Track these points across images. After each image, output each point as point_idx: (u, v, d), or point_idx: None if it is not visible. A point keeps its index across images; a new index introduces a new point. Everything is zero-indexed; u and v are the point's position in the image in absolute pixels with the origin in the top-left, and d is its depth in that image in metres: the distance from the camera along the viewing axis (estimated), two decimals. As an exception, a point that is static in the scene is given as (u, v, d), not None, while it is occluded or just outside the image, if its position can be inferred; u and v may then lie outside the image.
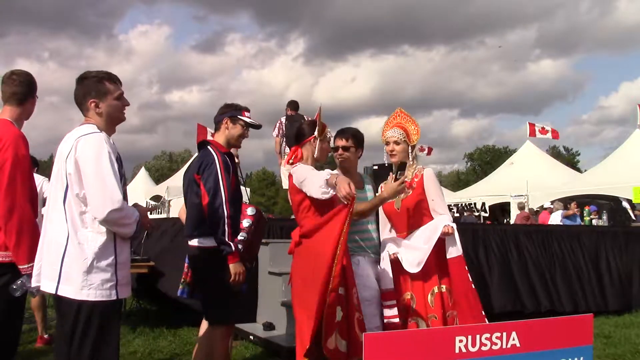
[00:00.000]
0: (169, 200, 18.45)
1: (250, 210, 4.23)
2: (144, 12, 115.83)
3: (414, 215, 3.66)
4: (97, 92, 2.68)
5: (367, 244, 3.69)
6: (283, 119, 8.69)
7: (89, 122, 2.69)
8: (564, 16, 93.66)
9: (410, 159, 3.73)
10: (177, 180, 20.99)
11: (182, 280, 4.35)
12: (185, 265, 4.37)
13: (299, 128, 3.54)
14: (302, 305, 3.13)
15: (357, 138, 3.77)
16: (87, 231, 2.56)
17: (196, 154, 3.82)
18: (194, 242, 3.56)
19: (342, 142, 3.72)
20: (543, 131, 21.83)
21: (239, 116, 3.67)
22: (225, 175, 3.43)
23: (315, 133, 3.41)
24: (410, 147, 3.74)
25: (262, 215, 4.35)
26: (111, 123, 2.76)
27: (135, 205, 2.74)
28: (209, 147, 3.60)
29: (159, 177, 40.76)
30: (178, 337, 5.65)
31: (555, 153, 44.84)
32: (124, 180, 2.69)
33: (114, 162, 2.57)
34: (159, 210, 18.01)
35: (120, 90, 2.76)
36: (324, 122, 3.49)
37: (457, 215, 19.35)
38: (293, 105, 8.89)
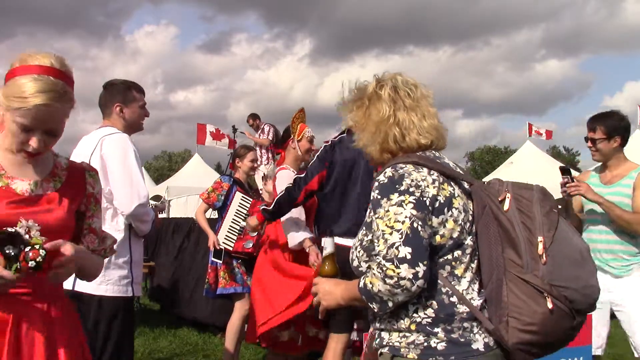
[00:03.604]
0: (169, 201, 18.43)
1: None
2: (151, 12, 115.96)
3: None
4: (124, 97, 2.83)
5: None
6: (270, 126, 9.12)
7: (107, 125, 2.81)
8: (571, 17, 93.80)
9: None
10: (177, 180, 20.93)
11: (206, 280, 4.41)
12: (209, 265, 4.41)
13: (283, 132, 3.71)
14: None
15: (609, 126, 3.14)
16: (105, 228, 2.60)
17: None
18: (343, 240, 3.08)
19: (592, 135, 3.15)
20: (538, 132, 21.93)
21: None
22: None
23: (293, 135, 3.67)
24: None
25: None
26: (131, 129, 2.88)
27: None
28: None
29: (158, 177, 40.70)
30: (178, 337, 5.66)
31: (555, 153, 44.83)
32: None
33: (139, 160, 2.69)
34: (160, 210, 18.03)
35: (144, 100, 2.91)
36: (304, 123, 3.73)
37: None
38: (255, 116, 9.64)
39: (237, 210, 4.30)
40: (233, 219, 4.29)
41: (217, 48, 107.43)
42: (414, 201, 1.47)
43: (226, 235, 4.27)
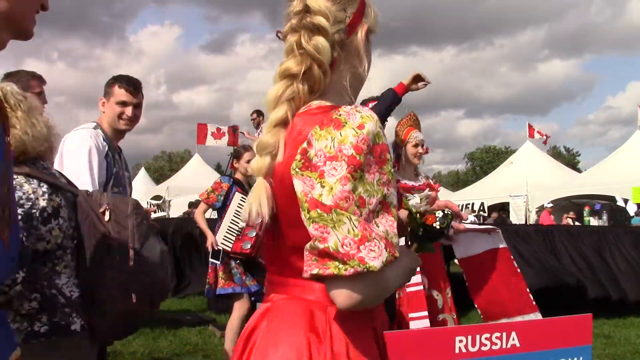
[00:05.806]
0: (169, 201, 18.45)
1: None
2: (155, 12, 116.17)
3: None
4: (105, 92, 2.82)
5: None
6: None
7: (92, 121, 2.79)
8: (575, 17, 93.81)
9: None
10: (177, 180, 20.97)
11: (207, 280, 4.42)
12: (210, 266, 4.42)
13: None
14: None
15: None
16: None
17: None
18: None
19: None
20: (540, 133, 21.95)
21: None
22: None
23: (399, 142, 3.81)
24: None
25: None
26: (111, 125, 2.81)
27: None
28: None
29: (158, 177, 40.72)
30: (178, 337, 5.65)
31: (555, 153, 44.82)
32: (117, 178, 2.73)
33: (94, 156, 2.60)
34: (161, 208, 18.04)
35: (129, 96, 2.77)
36: (412, 127, 3.79)
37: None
38: (260, 113, 9.23)
39: (236, 210, 4.30)
40: (232, 220, 4.29)
41: (221, 48, 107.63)
42: (22, 213, 1.66)
43: (225, 236, 4.27)
